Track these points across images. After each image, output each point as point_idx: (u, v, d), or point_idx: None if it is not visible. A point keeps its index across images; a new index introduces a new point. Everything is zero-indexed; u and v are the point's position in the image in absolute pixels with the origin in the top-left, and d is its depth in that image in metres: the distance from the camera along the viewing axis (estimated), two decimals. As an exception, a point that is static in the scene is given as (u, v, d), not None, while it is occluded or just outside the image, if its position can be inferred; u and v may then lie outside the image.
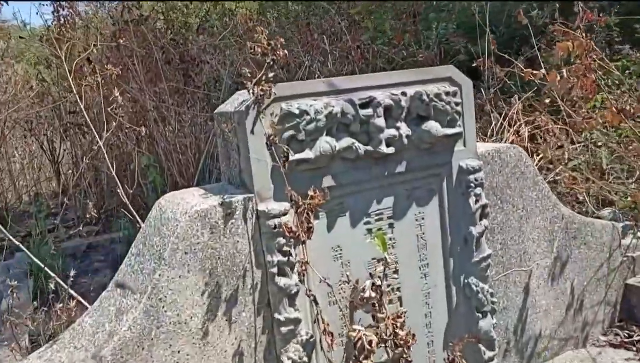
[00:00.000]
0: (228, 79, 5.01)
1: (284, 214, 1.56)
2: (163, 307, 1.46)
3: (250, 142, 1.55)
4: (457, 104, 1.82)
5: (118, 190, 1.90)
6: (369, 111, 1.67)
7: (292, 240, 1.54)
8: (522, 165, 2.05)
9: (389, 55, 4.62)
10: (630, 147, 2.79)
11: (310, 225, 1.45)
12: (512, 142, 3.40)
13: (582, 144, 3.08)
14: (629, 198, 2.60)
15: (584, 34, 2.46)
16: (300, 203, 1.45)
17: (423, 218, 1.88)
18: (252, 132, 1.55)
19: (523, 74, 3.40)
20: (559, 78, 2.54)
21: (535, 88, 3.57)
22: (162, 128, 4.69)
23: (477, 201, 1.89)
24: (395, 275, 1.84)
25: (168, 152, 4.81)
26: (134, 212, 1.88)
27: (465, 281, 1.93)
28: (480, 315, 1.94)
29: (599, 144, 3.16)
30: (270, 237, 1.56)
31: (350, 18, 5.07)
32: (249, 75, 1.49)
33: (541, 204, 2.11)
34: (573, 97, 2.67)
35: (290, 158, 1.55)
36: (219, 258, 1.53)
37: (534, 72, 2.62)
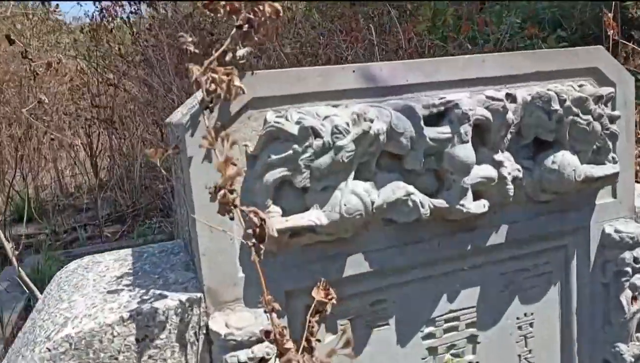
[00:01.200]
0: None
1: (260, 341, 0.75)
2: None
3: (197, 190, 0.75)
4: (612, 119, 0.96)
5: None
6: (443, 130, 0.84)
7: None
8: None
9: (449, 51, 3.73)
10: None
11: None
12: None
13: None
14: None
15: None
16: (286, 344, 0.63)
17: (531, 326, 1.03)
18: (201, 169, 0.75)
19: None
20: None
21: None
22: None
23: (634, 299, 1.02)
24: None
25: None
26: (32, 286, 1.12)
27: None
28: None
29: None
30: (232, 384, 0.75)
31: (403, 7, 4.18)
32: (192, 48, 0.69)
33: None
34: None
35: (278, 226, 0.74)
36: None
37: None
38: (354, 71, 0.82)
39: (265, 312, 0.68)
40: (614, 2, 2.44)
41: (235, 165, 0.62)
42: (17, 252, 1.09)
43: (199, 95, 0.70)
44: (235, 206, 0.62)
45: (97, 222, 4.70)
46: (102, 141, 5.83)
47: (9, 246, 1.11)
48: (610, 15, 2.19)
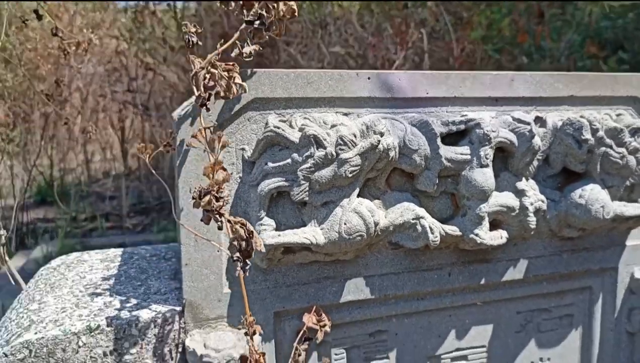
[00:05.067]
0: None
1: (242, 364, 0.68)
2: None
3: (184, 193, 0.69)
4: (651, 153, 0.87)
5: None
6: (462, 152, 0.76)
7: None
8: None
9: (502, 63, 3.61)
10: None
11: None
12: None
13: None
14: None
15: None
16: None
17: (545, 373, 0.94)
18: (192, 171, 0.69)
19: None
20: None
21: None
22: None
23: (663, 354, 0.92)
24: None
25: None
26: (20, 280, 1.07)
27: None
28: None
29: None
30: (206, 410, 0.68)
31: (459, 13, 4.06)
32: (195, 39, 0.63)
33: None
34: None
35: (269, 240, 0.68)
36: None
37: None
38: (369, 78, 0.75)
39: (245, 334, 0.61)
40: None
41: (225, 170, 0.56)
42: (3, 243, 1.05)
43: (195, 92, 0.64)
44: (221, 214, 0.55)
45: (119, 212, 4.63)
46: (134, 127, 5.72)
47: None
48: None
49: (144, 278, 0.83)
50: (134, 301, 0.73)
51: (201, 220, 0.56)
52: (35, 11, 1.31)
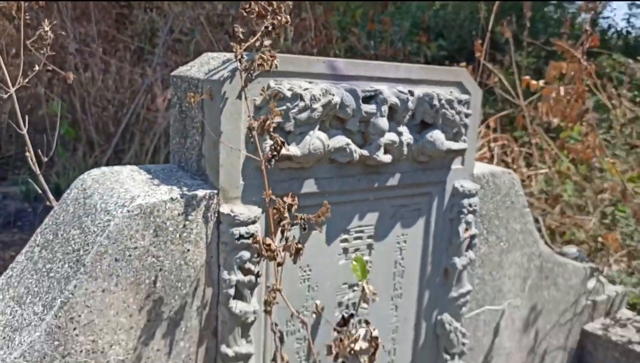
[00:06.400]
0: (167, 35, 4.52)
1: (253, 222, 1.21)
2: (74, 330, 1.06)
3: (224, 124, 1.18)
4: (466, 115, 1.54)
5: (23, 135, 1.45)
6: (372, 107, 1.35)
7: (258, 256, 1.19)
8: (513, 194, 1.82)
9: (350, 43, 4.34)
10: (606, 185, 2.69)
11: (300, 246, 1.12)
12: (479, 159, 3.24)
13: (544, 171, 2.95)
14: (600, 239, 2.49)
15: (584, 57, 2.29)
16: (285, 214, 1.10)
17: (405, 242, 1.59)
18: (228, 111, 1.18)
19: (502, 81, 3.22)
20: (554, 94, 2.35)
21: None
22: (83, 75, 4.11)
23: (466, 230, 1.63)
24: (365, 305, 1.54)
25: (86, 103, 4.22)
26: (44, 183, 1.44)
27: (438, 318, 1.68)
28: (448, 357, 1.69)
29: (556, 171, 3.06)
30: (232, 249, 1.20)
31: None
32: (240, 35, 1.12)
33: (523, 239, 1.90)
34: (552, 121, 2.51)
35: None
36: (160, 270, 1.15)
37: (534, 82, 2.42)
38: (324, 62, 1.29)
39: (265, 202, 1.14)
40: (484, 27, 3.14)
41: (279, 113, 1.08)
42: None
43: (215, 61, 1.14)
44: (270, 132, 1.08)
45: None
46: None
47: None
48: (479, 41, 2.89)
49: (175, 178, 1.29)
50: (185, 188, 1.21)
51: (258, 133, 1.07)
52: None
